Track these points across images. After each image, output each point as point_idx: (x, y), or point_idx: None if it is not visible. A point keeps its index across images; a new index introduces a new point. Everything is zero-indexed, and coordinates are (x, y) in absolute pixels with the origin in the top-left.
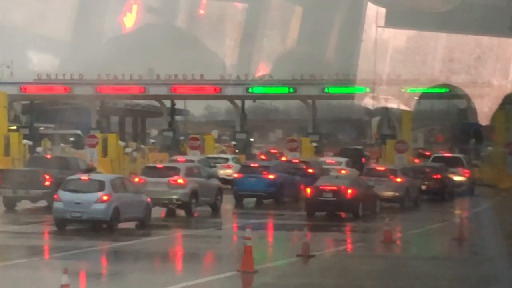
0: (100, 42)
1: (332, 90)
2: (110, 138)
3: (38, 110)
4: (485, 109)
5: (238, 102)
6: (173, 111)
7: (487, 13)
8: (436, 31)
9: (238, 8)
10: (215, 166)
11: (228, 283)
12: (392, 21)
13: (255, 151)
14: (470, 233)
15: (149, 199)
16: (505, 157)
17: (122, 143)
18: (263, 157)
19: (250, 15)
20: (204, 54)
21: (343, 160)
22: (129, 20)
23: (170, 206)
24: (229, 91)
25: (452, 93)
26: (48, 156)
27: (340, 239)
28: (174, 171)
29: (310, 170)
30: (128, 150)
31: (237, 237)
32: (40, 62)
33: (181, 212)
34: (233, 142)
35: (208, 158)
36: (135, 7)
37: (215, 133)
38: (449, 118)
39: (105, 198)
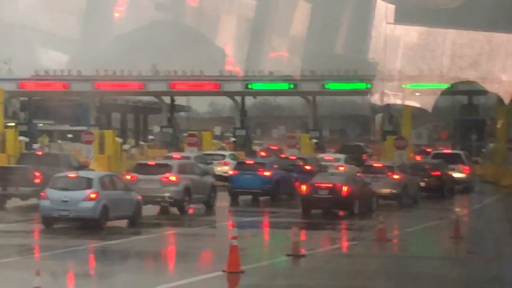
0: (106, 40)
1: (333, 86)
2: (107, 135)
3: (37, 107)
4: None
5: (239, 99)
6: (172, 107)
7: (495, 9)
8: (446, 28)
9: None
10: (211, 163)
11: (213, 284)
12: (401, 17)
13: (256, 148)
14: (467, 231)
15: (139, 197)
16: (506, 154)
17: (119, 140)
18: (263, 153)
19: (258, 11)
20: (211, 50)
21: (341, 156)
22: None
23: (162, 203)
24: (229, 87)
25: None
26: (39, 153)
27: (334, 237)
28: (166, 168)
29: (308, 167)
30: (126, 147)
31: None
32: (41, 59)
33: (174, 210)
34: (233, 139)
35: (205, 155)
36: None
37: (218, 129)
38: (454, 115)
39: (93, 196)
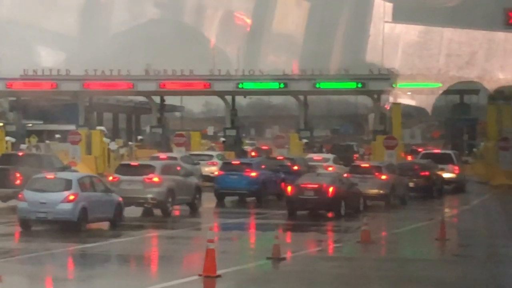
0: (103, 38)
1: (324, 85)
2: (94, 135)
3: (26, 107)
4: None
5: (230, 99)
6: (162, 107)
7: (495, 8)
8: (443, 26)
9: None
10: (198, 164)
11: None
12: (399, 16)
13: (247, 148)
14: (454, 232)
15: (120, 198)
16: (498, 153)
17: (107, 140)
18: (253, 153)
19: (257, 10)
20: (208, 49)
21: (330, 156)
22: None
23: (145, 205)
24: (219, 86)
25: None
26: (20, 154)
27: (317, 239)
28: (150, 169)
29: (295, 167)
30: (114, 147)
31: (214, 238)
32: (37, 57)
33: (158, 212)
34: (222, 139)
35: (192, 155)
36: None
37: (210, 129)
38: (448, 114)
39: (71, 197)
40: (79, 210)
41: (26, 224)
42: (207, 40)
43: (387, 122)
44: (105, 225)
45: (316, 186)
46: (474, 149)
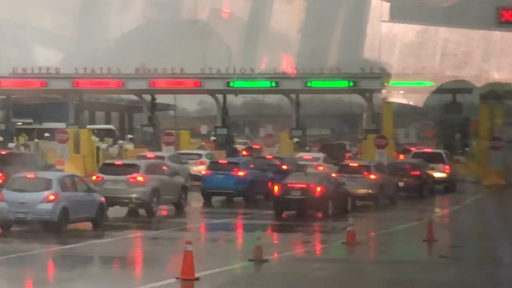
0: (101, 38)
1: (315, 84)
2: (82, 134)
3: (16, 105)
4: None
5: (222, 97)
6: (153, 105)
7: (490, 7)
8: (440, 26)
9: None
10: (186, 163)
11: None
12: (396, 15)
13: (239, 147)
14: (442, 233)
15: (103, 198)
16: (489, 153)
17: (96, 139)
18: (244, 153)
19: (253, 9)
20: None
21: (320, 156)
22: None
23: (129, 205)
24: (210, 85)
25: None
26: (3, 153)
27: (303, 240)
28: (134, 168)
29: (284, 167)
30: (103, 146)
31: (197, 239)
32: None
33: (144, 212)
34: (213, 138)
35: (181, 154)
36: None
37: (204, 128)
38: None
39: (51, 197)
40: (59, 210)
41: (5, 225)
42: (206, 39)
43: (381, 121)
44: (87, 225)
45: (303, 185)
46: (467, 149)
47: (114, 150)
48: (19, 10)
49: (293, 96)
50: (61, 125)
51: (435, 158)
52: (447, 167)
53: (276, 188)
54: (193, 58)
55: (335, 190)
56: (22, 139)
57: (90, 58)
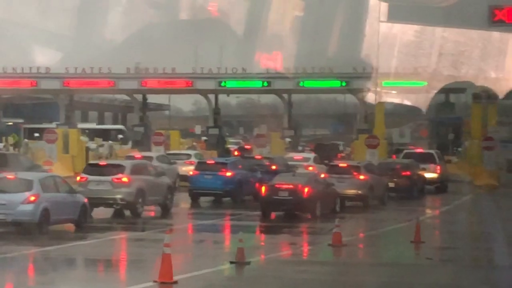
0: (99, 39)
1: (308, 84)
2: (71, 134)
3: (7, 105)
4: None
5: (213, 97)
6: (144, 105)
7: (484, 7)
8: (438, 26)
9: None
10: (175, 163)
11: None
12: (394, 15)
13: (231, 147)
14: (430, 234)
15: (86, 199)
16: (482, 153)
17: (85, 139)
18: (236, 153)
19: (251, 8)
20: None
21: (310, 156)
22: None
23: (114, 206)
24: (201, 85)
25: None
26: None
27: (288, 241)
28: (119, 169)
29: (273, 167)
30: (92, 146)
31: (181, 240)
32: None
33: (129, 213)
34: (204, 138)
35: (170, 154)
36: None
37: (198, 128)
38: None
39: (32, 198)
40: (40, 211)
41: None
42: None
43: (371, 121)
44: (70, 227)
45: (290, 186)
46: (459, 148)
47: (104, 150)
48: (15, 10)
49: (285, 96)
50: (50, 126)
51: (426, 159)
52: (438, 167)
53: (263, 188)
54: (185, 58)
55: (323, 190)
56: (11, 139)
57: (86, 59)
